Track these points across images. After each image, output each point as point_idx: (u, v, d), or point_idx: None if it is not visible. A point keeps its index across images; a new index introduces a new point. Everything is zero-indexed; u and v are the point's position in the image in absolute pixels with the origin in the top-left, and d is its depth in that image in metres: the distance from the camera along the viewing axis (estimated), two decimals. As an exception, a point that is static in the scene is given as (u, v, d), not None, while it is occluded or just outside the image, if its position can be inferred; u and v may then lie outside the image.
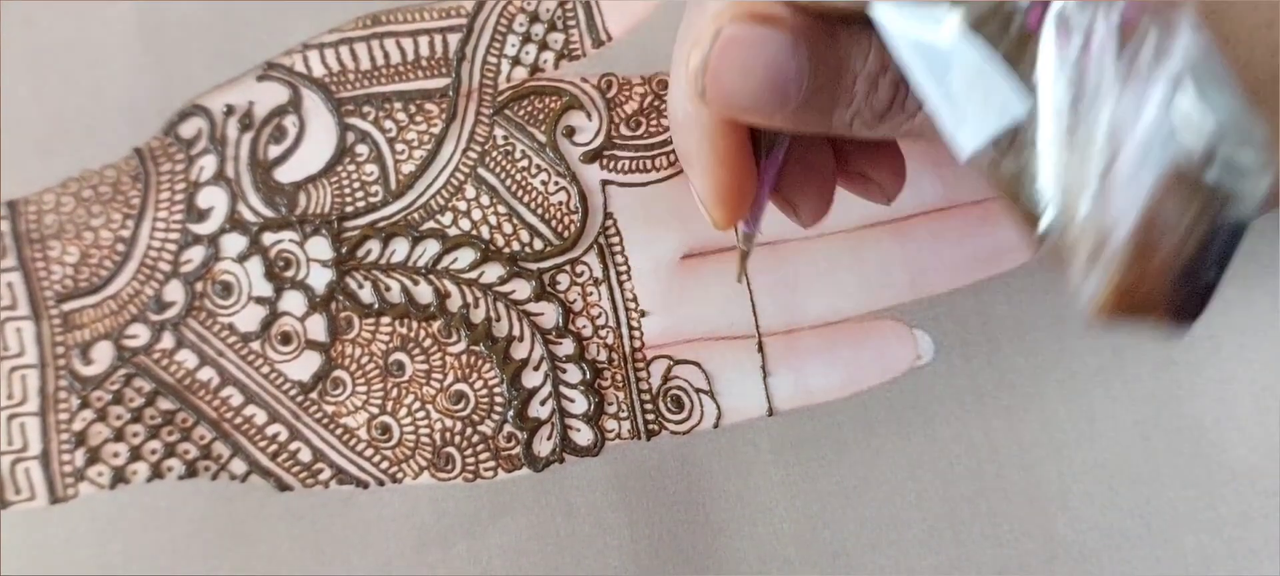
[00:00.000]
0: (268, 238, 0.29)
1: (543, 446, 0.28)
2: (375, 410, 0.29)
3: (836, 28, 0.20)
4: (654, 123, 0.30)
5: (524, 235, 0.29)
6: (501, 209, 0.30)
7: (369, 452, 0.29)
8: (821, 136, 0.24)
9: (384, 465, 0.28)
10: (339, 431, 0.29)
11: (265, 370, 0.29)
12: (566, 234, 0.29)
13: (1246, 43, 0.21)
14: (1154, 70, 0.14)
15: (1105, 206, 0.15)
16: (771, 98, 0.20)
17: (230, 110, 0.30)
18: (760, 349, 0.29)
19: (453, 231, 0.29)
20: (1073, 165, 0.16)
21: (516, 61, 0.30)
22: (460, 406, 0.29)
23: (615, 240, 0.29)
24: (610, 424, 0.29)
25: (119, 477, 0.28)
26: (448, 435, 0.29)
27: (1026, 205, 0.17)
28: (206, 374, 0.29)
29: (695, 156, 0.22)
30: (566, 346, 0.29)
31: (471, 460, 0.28)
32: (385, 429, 0.29)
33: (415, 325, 0.29)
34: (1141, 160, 0.14)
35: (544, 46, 0.30)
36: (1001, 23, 0.17)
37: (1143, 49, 0.15)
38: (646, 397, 0.29)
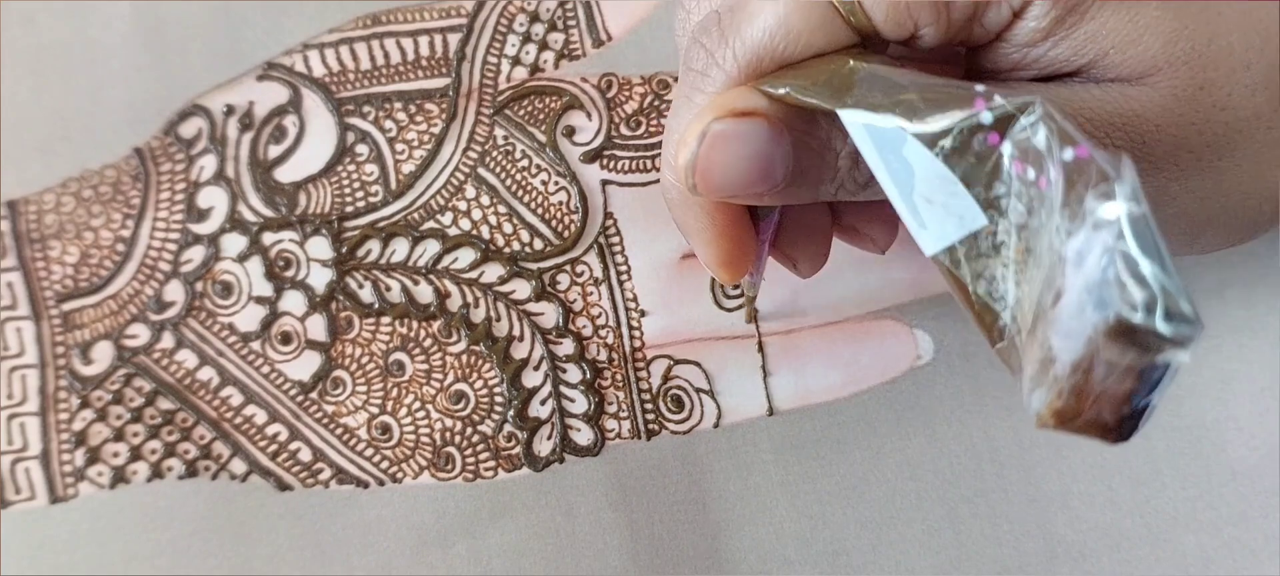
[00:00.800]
0: (268, 237, 0.29)
1: (543, 446, 0.28)
2: (375, 410, 0.29)
3: (816, 114, 0.21)
4: (654, 122, 0.30)
5: (524, 235, 0.29)
6: (501, 209, 0.30)
7: (369, 452, 0.29)
8: None
9: (384, 465, 0.28)
10: (339, 431, 0.29)
11: (265, 370, 0.29)
12: (566, 234, 0.29)
13: (1224, 85, 0.21)
14: (1098, 221, 0.16)
15: (1050, 335, 0.16)
16: (758, 183, 0.21)
17: (230, 110, 0.30)
18: (760, 349, 0.29)
19: (453, 231, 0.29)
20: (1025, 283, 0.18)
21: (516, 61, 0.30)
22: (460, 406, 0.29)
23: (615, 240, 0.29)
24: (610, 423, 0.29)
25: (119, 477, 0.28)
26: (448, 435, 0.29)
27: (983, 304, 0.19)
28: (206, 374, 0.29)
29: (695, 231, 0.24)
30: (566, 346, 0.29)
31: (471, 460, 0.28)
32: (385, 428, 0.29)
33: (415, 325, 0.29)
34: (1083, 304, 0.16)
35: (544, 46, 0.30)
36: (964, 137, 0.18)
37: (1088, 197, 0.16)
38: (646, 397, 0.29)
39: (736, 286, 0.29)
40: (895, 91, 0.19)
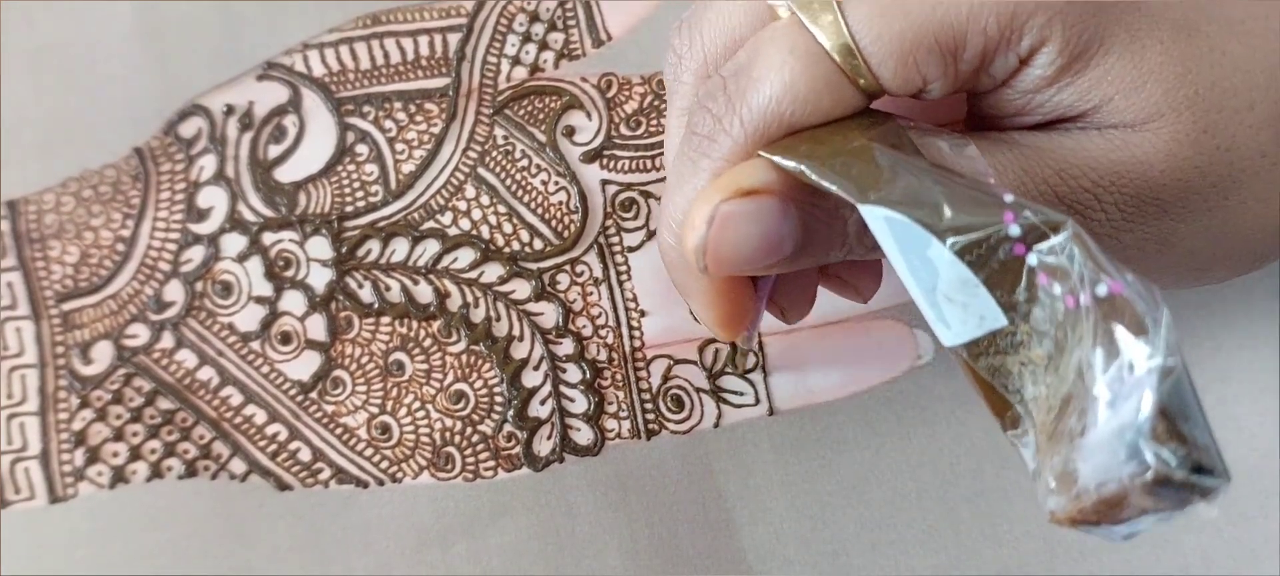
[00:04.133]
0: (268, 237, 0.29)
1: (543, 446, 0.28)
2: (375, 410, 0.29)
3: None
4: (654, 122, 0.30)
5: (524, 235, 0.29)
6: (501, 209, 0.30)
7: (369, 452, 0.29)
8: None
9: (384, 465, 0.28)
10: (339, 431, 0.29)
11: (265, 370, 0.29)
12: (566, 234, 0.29)
13: (1228, 127, 0.22)
14: (1134, 367, 0.17)
15: (1074, 458, 0.17)
16: (767, 258, 0.21)
17: (230, 110, 0.30)
18: (760, 348, 0.29)
19: (453, 231, 0.29)
20: (1042, 385, 0.18)
21: (516, 61, 0.30)
22: (460, 406, 0.29)
23: (615, 240, 0.29)
24: (610, 423, 0.29)
25: (119, 477, 0.28)
26: (448, 435, 0.29)
27: (1000, 398, 0.19)
28: (206, 373, 0.29)
29: (694, 294, 0.23)
30: (566, 346, 0.29)
31: (471, 460, 0.28)
32: (385, 428, 0.29)
33: (415, 325, 0.29)
34: (1116, 447, 0.16)
35: (544, 46, 0.30)
36: (990, 246, 0.18)
37: (1122, 338, 0.17)
38: (646, 397, 0.29)
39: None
40: (920, 191, 0.19)
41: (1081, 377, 0.17)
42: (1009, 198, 0.18)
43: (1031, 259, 0.18)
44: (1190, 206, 0.22)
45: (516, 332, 0.29)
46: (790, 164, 0.20)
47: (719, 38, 0.23)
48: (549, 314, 0.29)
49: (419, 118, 0.30)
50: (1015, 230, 0.18)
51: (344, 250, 0.29)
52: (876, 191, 0.19)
